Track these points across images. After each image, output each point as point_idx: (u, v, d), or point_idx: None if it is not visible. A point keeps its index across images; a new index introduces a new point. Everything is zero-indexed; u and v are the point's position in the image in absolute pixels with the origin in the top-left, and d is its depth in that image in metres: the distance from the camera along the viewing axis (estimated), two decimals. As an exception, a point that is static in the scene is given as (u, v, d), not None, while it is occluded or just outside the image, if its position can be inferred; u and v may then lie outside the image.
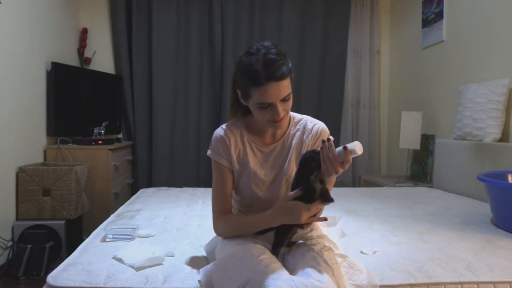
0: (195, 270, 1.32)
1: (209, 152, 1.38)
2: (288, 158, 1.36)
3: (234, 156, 1.35)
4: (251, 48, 1.24)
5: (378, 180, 3.74)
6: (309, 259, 1.18)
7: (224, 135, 1.36)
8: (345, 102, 4.33)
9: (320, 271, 1.11)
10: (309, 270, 1.12)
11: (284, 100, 1.23)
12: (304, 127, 1.39)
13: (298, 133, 1.38)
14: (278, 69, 1.18)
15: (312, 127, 1.38)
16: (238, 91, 1.30)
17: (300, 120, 1.41)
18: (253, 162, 1.36)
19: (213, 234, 1.44)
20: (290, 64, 1.24)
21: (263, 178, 1.36)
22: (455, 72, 3.22)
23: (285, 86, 1.21)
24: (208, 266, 1.24)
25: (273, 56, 1.20)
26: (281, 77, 1.19)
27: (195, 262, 1.39)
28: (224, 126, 1.39)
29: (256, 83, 1.19)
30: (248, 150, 1.36)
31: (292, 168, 1.36)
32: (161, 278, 1.27)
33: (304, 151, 1.35)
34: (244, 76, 1.23)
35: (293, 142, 1.37)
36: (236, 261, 1.16)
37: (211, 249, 1.43)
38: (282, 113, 1.24)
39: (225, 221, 1.34)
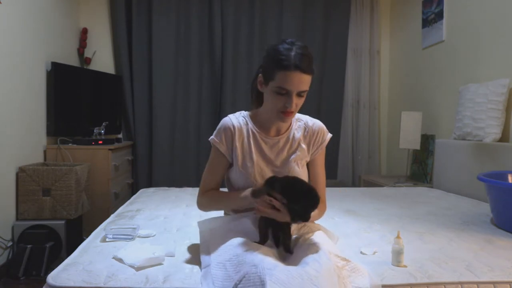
0: (195, 270, 1.32)
1: (212, 138, 1.44)
2: (290, 153, 1.42)
3: (238, 147, 1.40)
4: (286, 39, 1.33)
5: (378, 180, 3.74)
6: (312, 251, 1.20)
7: (231, 125, 1.42)
8: (345, 102, 4.33)
9: (319, 262, 1.12)
10: (308, 260, 1.14)
11: (300, 95, 1.31)
12: (305, 125, 1.48)
13: (300, 130, 1.46)
14: (307, 62, 1.28)
15: (312, 125, 1.48)
16: (260, 75, 1.36)
17: (301, 119, 1.50)
18: (257, 154, 1.41)
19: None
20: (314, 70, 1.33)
21: (266, 170, 1.40)
22: (455, 72, 3.22)
23: (307, 81, 1.30)
24: (208, 268, 1.24)
25: (306, 52, 1.30)
26: (307, 71, 1.28)
27: (195, 262, 1.39)
28: (231, 116, 1.45)
29: (283, 66, 1.27)
30: (253, 141, 1.42)
31: (294, 164, 1.41)
32: (161, 278, 1.27)
33: (305, 149, 1.44)
34: (274, 58, 1.30)
35: (296, 138, 1.44)
36: (233, 259, 1.18)
37: (205, 228, 1.45)
38: (294, 106, 1.30)
39: (207, 195, 1.46)
